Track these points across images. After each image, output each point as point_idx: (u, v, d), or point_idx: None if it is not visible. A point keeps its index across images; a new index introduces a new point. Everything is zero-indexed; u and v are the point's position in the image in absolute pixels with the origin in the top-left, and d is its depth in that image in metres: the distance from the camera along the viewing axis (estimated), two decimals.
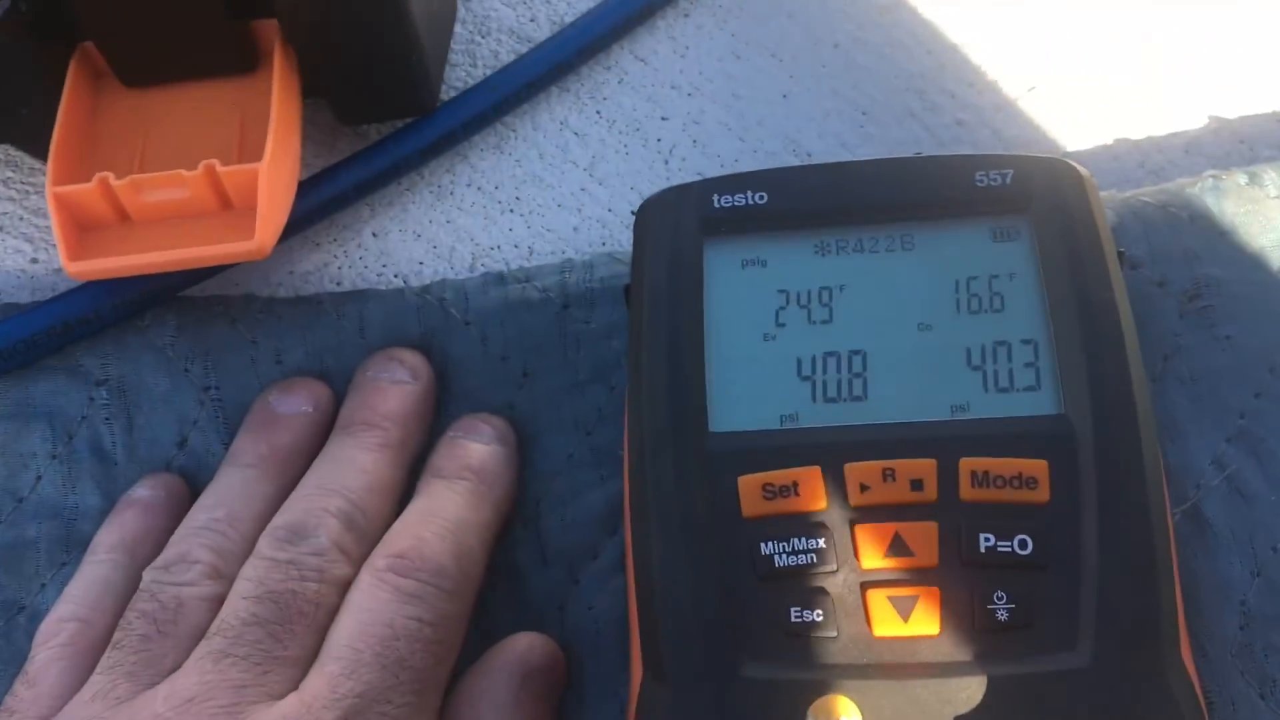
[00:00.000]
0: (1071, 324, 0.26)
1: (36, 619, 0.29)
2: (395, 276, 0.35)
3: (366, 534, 0.27)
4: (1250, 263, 0.30)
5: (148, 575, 0.27)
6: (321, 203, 0.34)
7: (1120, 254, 0.27)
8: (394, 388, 0.30)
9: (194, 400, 0.31)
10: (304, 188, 0.33)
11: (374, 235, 0.35)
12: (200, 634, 0.25)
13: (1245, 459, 0.28)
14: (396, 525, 0.27)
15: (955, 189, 0.27)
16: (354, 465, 0.28)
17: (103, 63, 0.32)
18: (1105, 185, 0.32)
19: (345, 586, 0.26)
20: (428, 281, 0.34)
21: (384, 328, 0.31)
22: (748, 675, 0.23)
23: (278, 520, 0.27)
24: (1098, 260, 0.26)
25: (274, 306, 0.32)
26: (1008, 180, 0.27)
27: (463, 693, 0.26)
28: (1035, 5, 0.37)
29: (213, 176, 0.29)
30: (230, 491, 0.28)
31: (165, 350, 0.32)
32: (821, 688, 0.23)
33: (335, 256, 0.35)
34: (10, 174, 0.37)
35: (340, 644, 0.24)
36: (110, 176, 0.29)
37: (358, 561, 0.27)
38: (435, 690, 0.25)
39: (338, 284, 0.35)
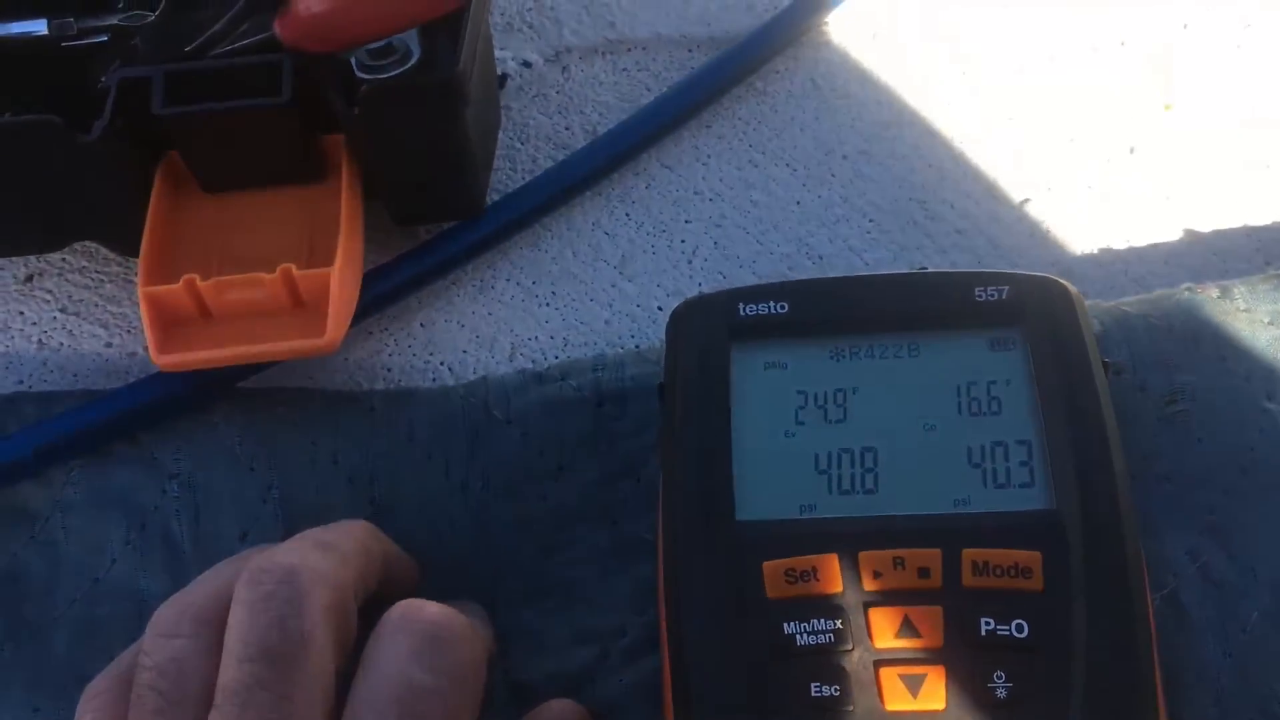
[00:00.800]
0: (1061, 427, 0.29)
1: None
2: (441, 364, 0.38)
3: (344, 564, 0.28)
4: (1221, 370, 0.33)
5: (149, 634, 0.27)
6: (376, 297, 0.37)
7: (1105, 364, 0.30)
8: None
9: (257, 497, 0.34)
10: (363, 282, 0.36)
11: (422, 325, 0.38)
12: (207, 694, 0.25)
13: (1215, 550, 0.31)
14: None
15: (956, 302, 0.30)
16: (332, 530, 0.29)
17: (185, 170, 0.35)
18: (1091, 292, 0.36)
19: (335, 614, 0.26)
20: (470, 368, 0.37)
21: (431, 429, 0.34)
22: None
23: (255, 558, 0.27)
24: (1085, 370, 0.29)
25: (333, 409, 0.35)
26: (1004, 295, 0.30)
27: None
28: (1031, 122, 0.40)
29: (289, 278, 0.32)
30: None
31: (234, 448, 0.34)
32: None
33: (387, 345, 0.38)
34: (86, 263, 0.40)
35: (360, 702, 0.25)
36: (197, 278, 0.32)
37: (340, 593, 0.27)
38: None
39: (388, 370, 0.38)
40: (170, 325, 0.33)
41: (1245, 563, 0.31)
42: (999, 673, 0.26)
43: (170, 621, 0.27)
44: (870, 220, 0.39)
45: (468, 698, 0.26)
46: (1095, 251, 0.38)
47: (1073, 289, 0.31)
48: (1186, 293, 0.34)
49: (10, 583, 0.33)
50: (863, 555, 0.28)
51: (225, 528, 0.33)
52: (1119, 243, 0.38)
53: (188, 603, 0.27)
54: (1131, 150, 0.39)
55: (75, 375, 0.38)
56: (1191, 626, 0.30)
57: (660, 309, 0.38)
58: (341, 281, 0.32)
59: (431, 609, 0.27)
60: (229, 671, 0.25)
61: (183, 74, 0.33)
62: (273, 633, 0.25)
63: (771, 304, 0.31)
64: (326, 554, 0.27)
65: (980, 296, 0.30)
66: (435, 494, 0.34)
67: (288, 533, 0.33)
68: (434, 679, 0.25)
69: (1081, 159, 0.40)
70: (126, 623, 0.32)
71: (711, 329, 0.31)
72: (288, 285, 0.33)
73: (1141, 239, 0.38)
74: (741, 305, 0.31)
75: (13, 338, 0.39)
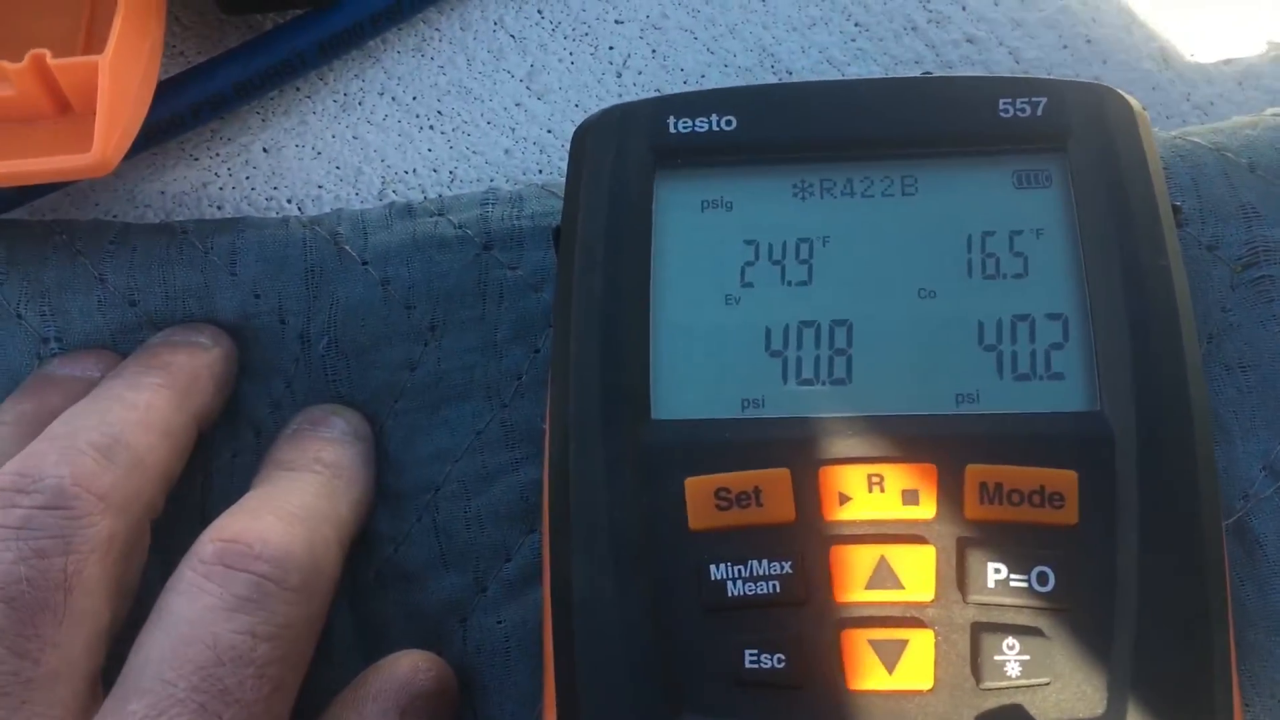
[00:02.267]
0: (1114, 296, 0.20)
1: None
2: (289, 202, 0.29)
3: (136, 475, 0.22)
4: None
5: None
6: (194, 104, 0.28)
7: (1175, 209, 0.21)
8: (184, 345, 0.24)
9: (29, 353, 0.26)
10: (172, 85, 0.27)
11: (265, 151, 0.29)
12: None
13: None
14: (229, 510, 0.22)
15: (972, 119, 0.22)
16: (120, 401, 0.22)
17: None
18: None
19: (115, 549, 0.21)
20: (327, 206, 0.29)
21: (260, 264, 0.26)
22: None
23: (11, 462, 0.21)
24: (1149, 216, 0.21)
25: (129, 236, 0.26)
26: (1039, 110, 0.22)
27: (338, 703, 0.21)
28: None
29: (42, 69, 0.23)
30: None
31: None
32: None
33: (217, 175, 0.29)
34: None
35: (147, 672, 0.19)
36: None
37: (129, 511, 0.21)
38: (280, 716, 0.20)
39: (219, 208, 0.29)
40: None
41: None
42: (1010, 641, 0.19)
43: None
44: (855, 24, 0.30)
45: (298, 656, 0.21)
46: (1150, 68, 0.29)
47: (1135, 103, 0.22)
48: (1272, 118, 0.25)
49: None
50: (825, 472, 0.20)
51: None
52: (1181, 57, 0.29)
53: None
54: None
55: None
56: (1265, 565, 0.22)
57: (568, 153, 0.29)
58: (117, 73, 0.23)
59: (256, 535, 0.21)
60: None
61: None
62: (20, 570, 0.20)
63: (713, 118, 0.22)
64: (113, 460, 0.21)
65: (1006, 112, 0.22)
66: (265, 343, 0.26)
67: None
68: (251, 641, 0.20)
69: None
70: None
71: (629, 151, 0.22)
72: (42, 79, 0.24)
73: (1210, 53, 0.29)
74: (672, 119, 0.22)
75: None
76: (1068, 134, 0.21)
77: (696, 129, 0.22)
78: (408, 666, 0.22)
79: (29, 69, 0.23)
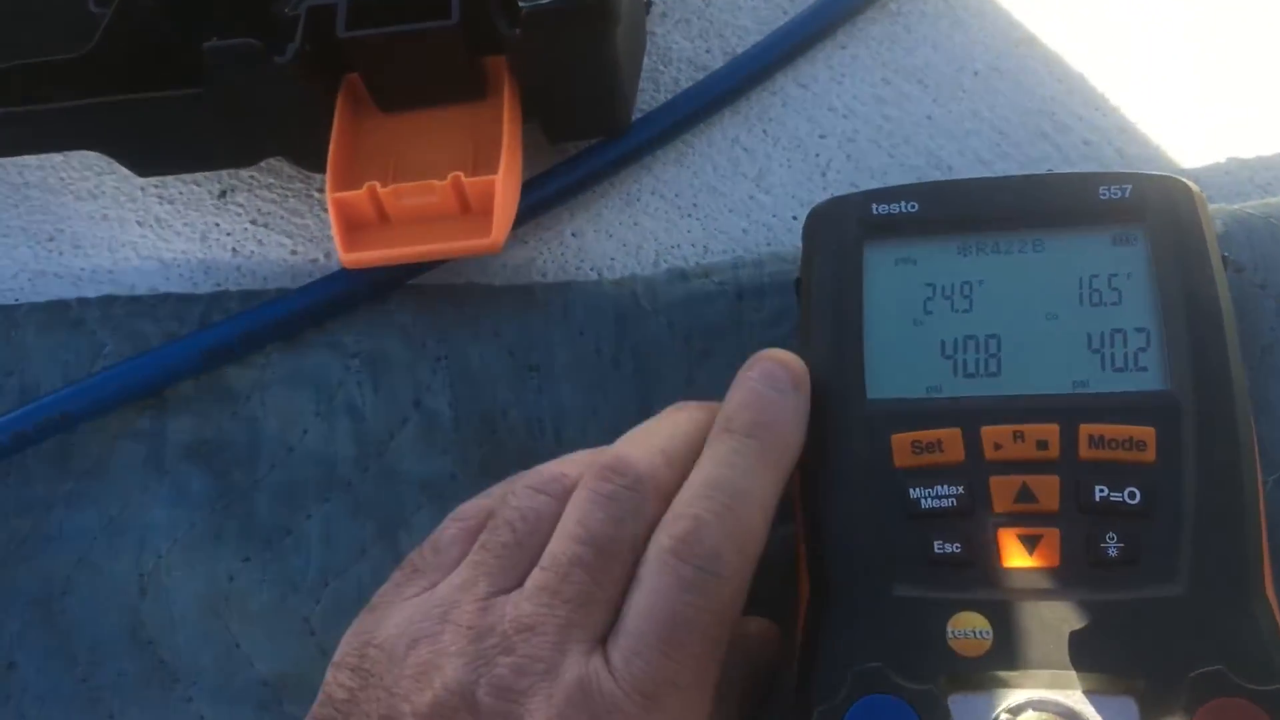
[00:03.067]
0: (1179, 315, 0.30)
1: (302, 542, 0.36)
2: (591, 270, 0.41)
3: (676, 480, 0.29)
4: None
5: (520, 484, 0.30)
6: (531, 205, 0.40)
7: (1225, 259, 0.31)
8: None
9: (428, 368, 0.38)
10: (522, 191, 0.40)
11: (573, 235, 0.42)
12: (540, 553, 0.29)
13: None
14: (682, 494, 0.29)
15: (1081, 201, 0.32)
16: (679, 423, 0.31)
17: (364, 91, 0.39)
18: (1216, 199, 0.37)
19: (651, 527, 0.28)
20: (618, 273, 0.41)
21: (586, 313, 0.38)
22: (899, 595, 0.29)
23: (608, 450, 0.30)
24: (1204, 263, 0.31)
25: (496, 292, 0.39)
26: (1126, 194, 0.32)
27: None
28: (1157, 34, 0.41)
29: (458, 185, 0.36)
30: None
31: (407, 328, 0.38)
32: (960, 605, 0.28)
33: (540, 253, 0.42)
34: (273, 180, 0.44)
35: (632, 619, 0.27)
36: (377, 185, 0.36)
37: (665, 505, 0.29)
38: (717, 660, 0.28)
39: (543, 275, 0.41)
40: (354, 228, 0.37)
41: None
42: (1110, 534, 0.28)
43: (542, 481, 0.30)
44: (999, 133, 0.41)
45: (727, 620, 0.28)
46: (1223, 160, 0.39)
47: (1194, 187, 0.32)
48: None
49: (219, 451, 0.38)
50: (985, 430, 0.30)
51: (401, 395, 0.38)
52: (1246, 151, 0.39)
53: (560, 473, 0.31)
54: (1262, 60, 0.40)
55: (265, 279, 0.42)
56: None
57: (795, 219, 0.41)
58: (505, 187, 0.36)
59: (704, 540, 0.28)
60: (560, 544, 0.29)
61: (363, 1, 0.36)
62: (607, 527, 0.28)
63: (902, 203, 0.33)
64: (670, 467, 0.30)
65: (1104, 195, 0.32)
66: (589, 367, 0.37)
67: (455, 399, 0.37)
68: (695, 613, 0.27)
69: (1210, 67, 0.40)
70: (319, 485, 0.37)
71: (846, 227, 0.33)
72: (457, 191, 0.36)
73: (1270, 148, 0.38)
74: (874, 205, 0.33)
75: (210, 246, 0.43)
76: (1147, 209, 0.32)
77: (892, 211, 0.33)
78: (755, 628, 0.31)
79: (450, 185, 0.36)
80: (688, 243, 0.41)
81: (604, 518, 0.29)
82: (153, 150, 0.40)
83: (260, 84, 0.37)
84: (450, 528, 0.31)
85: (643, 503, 0.29)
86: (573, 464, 0.31)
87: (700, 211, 0.41)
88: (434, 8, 0.36)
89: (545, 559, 0.29)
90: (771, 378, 0.31)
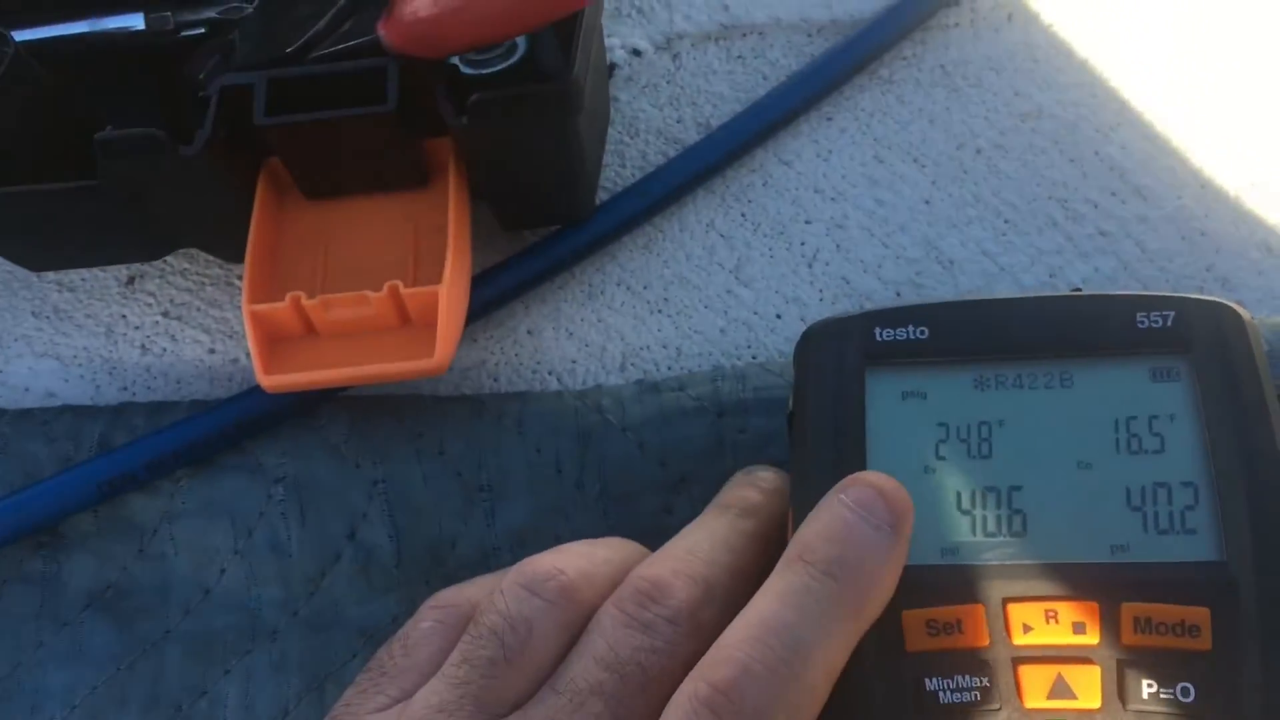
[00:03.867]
0: (1233, 468, 0.26)
1: (217, 704, 0.31)
2: (549, 374, 0.36)
3: (722, 616, 0.25)
4: None
5: (508, 582, 0.26)
6: (482, 303, 0.35)
7: None
8: (761, 489, 0.29)
9: (364, 494, 0.33)
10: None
11: (529, 333, 0.37)
12: (546, 665, 0.25)
13: None
14: (731, 632, 0.24)
15: (1115, 328, 0.28)
16: (725, 545, 0.27)
17: (287, 177, 0.34)
18: (1250, 302, 0.33)
19: (689, 665, 0.24)
20: (580, 378, 0.36)
21: (543, 428, 0.33)
22: None
23: (643, 571, 0.26)
24: (1259, 405, 0.27)
25: (440, 405, 0.34)
26: (1169, 321, 0.28)
27: None
28: (1182, 114, 0.37)
29: (396, 297, 0.31)
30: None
31: (339, 448, 0.34)
32: None
33: (492, 353, 0.37)
34: (187, 266, 0.39)
35: None
36: (302, 296, 0.31)
37: (702, 644, 0.25)
38: None
39: (495, 379, 0.36)
40: (276, 343, 0.32)
41: None
42: None
43: (537, 579, 0.26)
44: (1005, 221, 0.37)
45: None
46: (1255, 256, 0.35)
47: (1245, 313, 0.28)
48: None
49: (123, 598, 0.33)
50: (1011, 606, 0.26)
51: (332, 526, 0.33)
52: None
53: (559, 569, 0.26)
54: None
55: (179, 382, 0.37)
56: None
57: (779, 317, 0.36)
58: (450, 300, 0.31)
59: (744, 695, 0.23)
60: (580, 667, 0.25)
61: (284, 80, 0.31)
62: (639, 657, 0.25)
63: (910, 328, 0.29)
64: (710, 602, 0.26)
65: (1142, 323, 0.28)
66: (549, 488, 0.33)
67: (395, 528, 0.32)
68: None
69: (1240, 153, 0.36)
70: (238, 635, 0.32)
71: (845, 354, 0.29)
72: (395, 303, 0.31)
73: None
74: (878, 329, 0.29)
75: (116, 343, 0.38)
76: (1193, 339, 0.28)
77: (898, 337, 0.29)
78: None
79: (387, 296, 0.31)
80: (658, 343, 0.36)
81: (637, 646, 0.25)
82: (46, 245, 0.35)
83: (166, 175, 0.32)
84: (426, 619, 0.27)
85: (683, 640, 0.25)
86: (575, 566, 0.27)
87: (671, 307, 0.37)
88: (367, 88, 0.31)
89: (560, 679, 0.25)
90: (868, 508, 0.26)
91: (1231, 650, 0.25)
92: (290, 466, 0.34)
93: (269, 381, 0.31)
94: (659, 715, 0.24)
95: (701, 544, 0.27)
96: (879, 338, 0.29)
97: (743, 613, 0.25)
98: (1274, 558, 0.25)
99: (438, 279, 0.31)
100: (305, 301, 0.31)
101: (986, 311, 0.29)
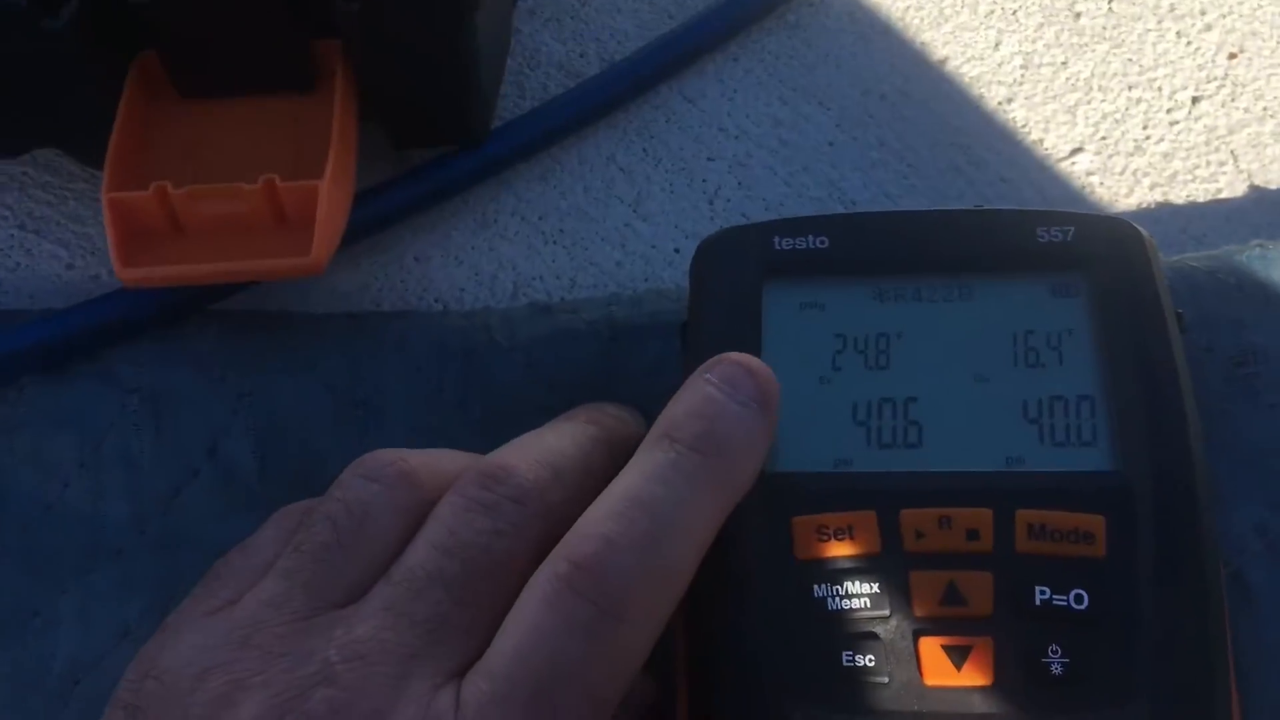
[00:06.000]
0: (1129, 381, 0.26)
1: (52, 626, 0.29)
2: (436, 301, 0.35)
3: (569, 502, 0.24)
4: None
5: (346, 472, 0.25)
6: (366, 222, 0.34)
7: (1179, 315, 0.27)
8: (618, 416, 0.28)
9: (227, 408, 0.31)
10: (353, 203, 0.33)
11: (416, 259, 0.35)
12: (383, 554, 0.24)
13: None
14: (593, 510, 0.23)
15: (1016, 243, 0.27)
16: (573, 440, 0.26)
17: (161, 73, 0.32)
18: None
19: (538, 549, 0.23)
20: (469, 308, 0.34)
21: (426, 346, 0.31)
22: (796, 717, 0.23)
23: (489, 458, 0.25)
24: (1156, 320, 0.26)
25: (316, 320, 0.32)
26: (1069, 236, 0.27)
27: None
28: (1086, 68, 0.37)
29: (272, 191, 0.29)
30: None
31: (203, 358, 0.31)
32: None
33: (376, 278, 0.35)
34: (50, 178, 0.36)
35: (499, 658, 0.22)
36: (168, 185, 0.29)
37: (553, 527, 0.23)
38: None
39: (378, 305, 0.35)
40: (137, 237, 0.30)
41: None
42: (1054, 646, 0.23)
43: (376, 466, 0.25)
44: (908, 165, 0.36)
45: (621, 680, 0.22)
46: (1152, 206, 0.35)
47: (1145, 233, 0.28)
48: (1258, 249, 0.31)
49: None
50: (904, 514, 0.25)
51: (191, 440, 0.31)
52: (1178, 198, 0.35)
53: (400, 458, 0.25)
54: (1194, 100, 0.36)
55: (32, 297, 0.35)
56: (1258, 609, 0.27)
57: (677, 251, 0.35)
58: (330, 196, 0.29)
59: (609, 572, 0.22)
60: (418, 552, 0.23)
61: None
62: (482, 539, 0.23)
63: (810, 238, 0.28)
64: (560, 486, 0.25)
65: (1042, 237, 0.27)
66: (429, 408, 0.31)
67: (260, 444, 0.30)
68: (583, 666, 0.22)
69: (1139, 108, 0.37)
70: (81, 553, 0.29)
71: (742, 264, 0.28)
72: (270, 198, 0.29)
73: (1202, 194, 0.35)
74: (777, 239, 0.28)
75: None
76: (1092, 255, 0.27)
77: (797, 247, 0.28)
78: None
79: (261, 190, 0.29)
80: (552, 274, 0.35)
81: (480, 529, 0.23)
82: None
83: (25, 56, 0.29)
84: (268, 527, 0.26)
85: (528, 519, 0.24)
86: (419, 457, 0.25)
87: (567, 238, 0.36)
88: None
89: (397, 570, 0.23)
90: (734, 384, 0.25)
91: (1125, 557, 0.24)
92: (148, 376, 0.31)
93: (127, 275, 0.29)
94: (510, 602, 0.23)
95: (547, 438, 0.26)
96: (778, 246, 0.28)
97: (605, 492, 0.23)
98: (1168, 467, 0.25)
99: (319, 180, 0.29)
100: (171, 192, 0.29)
101: (888, 224, 0.28)
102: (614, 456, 0.26)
